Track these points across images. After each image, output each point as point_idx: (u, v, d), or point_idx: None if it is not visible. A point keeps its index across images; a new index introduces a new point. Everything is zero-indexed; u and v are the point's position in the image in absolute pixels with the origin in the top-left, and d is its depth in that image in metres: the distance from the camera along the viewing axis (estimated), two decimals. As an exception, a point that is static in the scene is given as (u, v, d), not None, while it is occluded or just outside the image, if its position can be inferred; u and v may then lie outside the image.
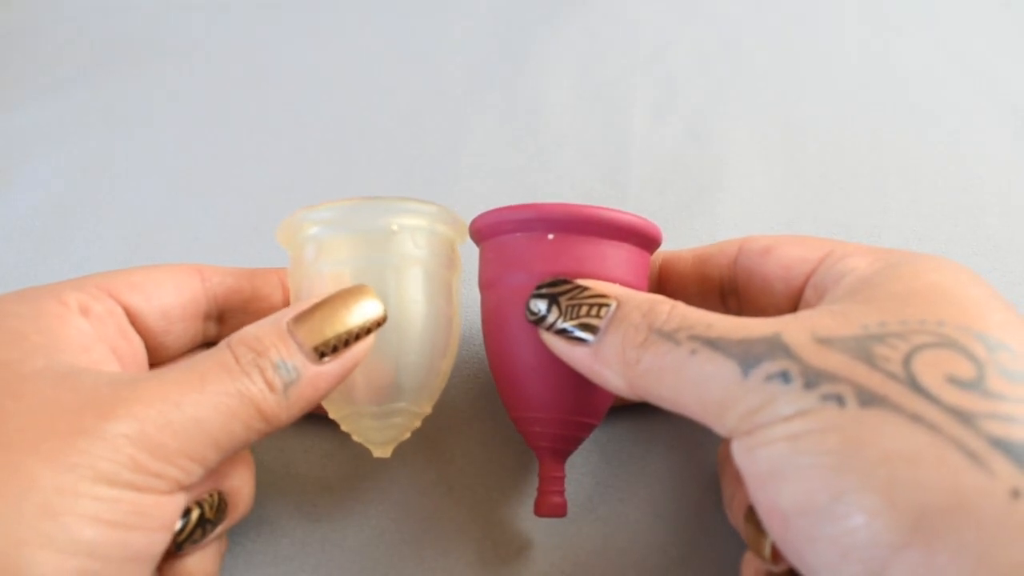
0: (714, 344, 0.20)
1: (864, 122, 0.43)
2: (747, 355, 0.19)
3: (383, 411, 0.25)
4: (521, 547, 0.28)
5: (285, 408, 0.21)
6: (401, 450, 0.28)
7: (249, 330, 0.22)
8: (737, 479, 0.23)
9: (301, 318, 0.22)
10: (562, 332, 0.23)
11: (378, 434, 0.25)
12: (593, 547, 0.28)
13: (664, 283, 0.28)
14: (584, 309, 0.22)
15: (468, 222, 0.27)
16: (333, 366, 0.22)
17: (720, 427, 0.20)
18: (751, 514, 0.22)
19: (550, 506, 0.25)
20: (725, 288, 0.26)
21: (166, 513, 0.20)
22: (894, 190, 0.39)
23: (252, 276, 0.27)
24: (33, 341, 0.21)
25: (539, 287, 0.24)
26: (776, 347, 0.19)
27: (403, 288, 0.24)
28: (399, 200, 0.25)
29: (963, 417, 0.17)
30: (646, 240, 0.25)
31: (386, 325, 0.23)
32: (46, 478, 0.18)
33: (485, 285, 0.26)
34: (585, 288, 0.23)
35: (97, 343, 0.22)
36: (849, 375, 0.18)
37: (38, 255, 0.37)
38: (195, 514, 0.22)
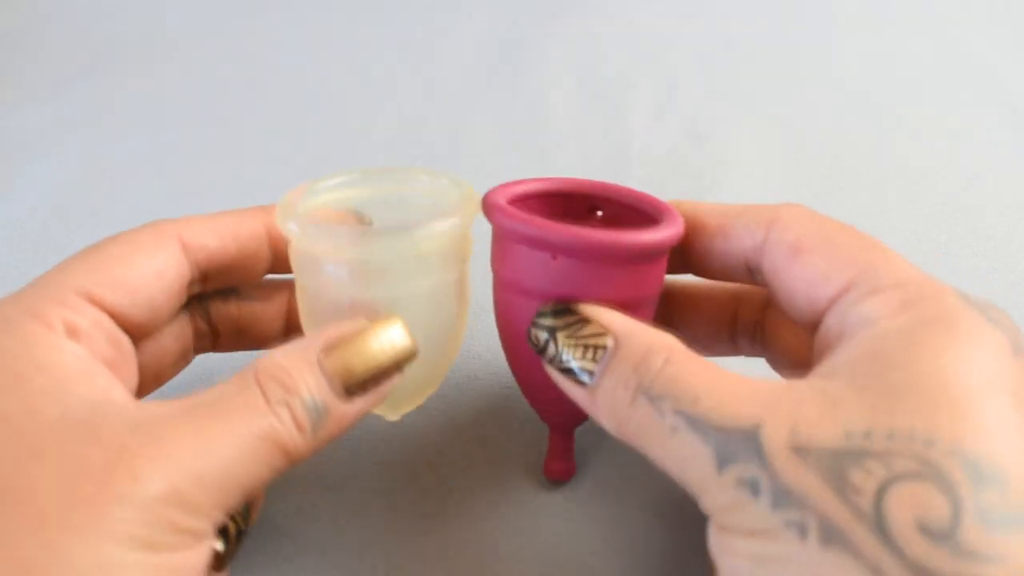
0: (695, 425, 0.19)
1: (864, 122, 0.43)
2: (724, 448, 0.18)
3: (387, 405, 0.25)
4: (521, 548, 0.28)
5: (310, 446, 0.21)
6: (401, 451, 0.28)
7: (278, 362, 0.21)
8: None
9: (332, 352, 0.21)
10: (561, 369, 0.22)
11: (384, 411, 0.26)
12: (593, 547, 0.28)
13: (688, 252, 0.26)
14: (580, 351, 0.22)
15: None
16: (360, 403, 0.22)
17: (700, 505, 0.20)
18: None
19: (558, 471, 0.27)
20: (751, 266, 0.24)
21: (200, 559, 0.19)
22: (894, 190, 0.39)
23: (236, 231, 0.25)
24: (37, 383, 0.19)
25: (541, 313, 0.23)
26: (752, 446, 0.18)
27: (417, 303, 0.24)
28: (417, 226, 0.23)
29: None
30: (660, 252, 0.24)
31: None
32: (84, 556, 0.17)
33: (495, 269, 0.26)
34: (586, 322, 0.22)
35: (94, 365, 0.21)
36: (816, 502, 0.17)
37: (38, 255, 0.37)
38: (232, 529, 0.22)
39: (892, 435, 0.17)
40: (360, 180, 0.26)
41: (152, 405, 0.20)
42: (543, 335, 0.23)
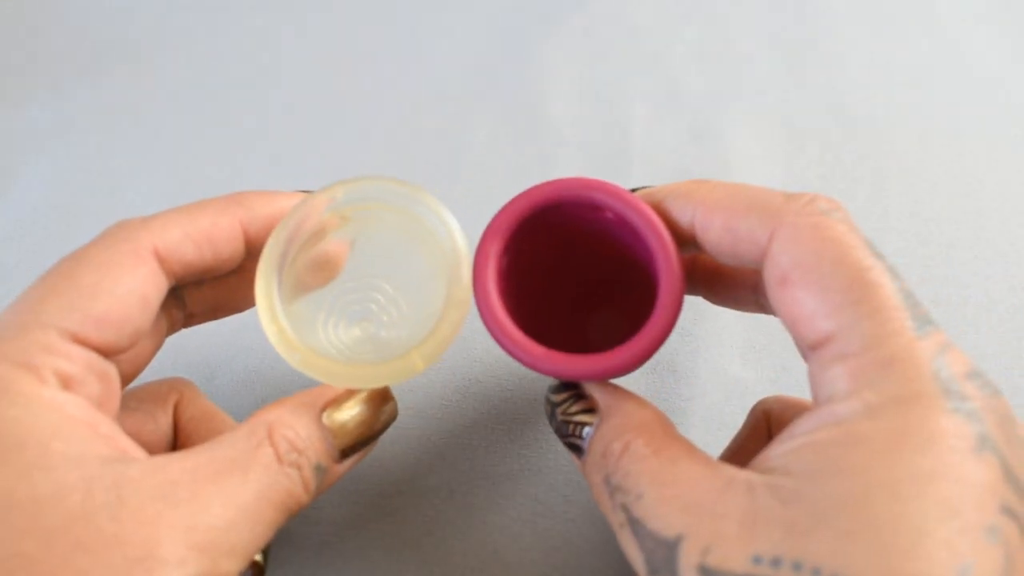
0: (633, 526, 0.19)
1: (864, 124, 0.43)
2: (651, 556, 0.19)
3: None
4: (522, 550, 0.28)
5: (307, 504, 0.21)
6: (401, 453, 0.28)
7: (287, 421, 0.21)
8: None
9: (337, 418, 0.22)
10: (563, 443, 0.23)
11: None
12: (593, 547, 0.28)
13: (696, 243, 0.24)
14: (571, 427, 0.23)
15: (464, 222, 0.26)
16: (347, 465, 0.23)
17: None
18: None
19: None
20: (757, 266, 0.23)
21: None
22: (895, 193, 0.39)
23: (212, 235, 0.23)
24: (57, 452, 0.18)
25: (550, 388, 0.24)
26: (670, 562, 0.18)
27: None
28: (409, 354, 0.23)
29: None
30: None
31: None
32: None
33: None
34: (580, 397, 0.23)
35: (93, 415, 0.20)
36: None
37: (38, 255, 0.37)
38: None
39: (799, 566, 0.16)
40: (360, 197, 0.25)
41: (168, 461, 0.19)
42: (548, 409, 0.24)
